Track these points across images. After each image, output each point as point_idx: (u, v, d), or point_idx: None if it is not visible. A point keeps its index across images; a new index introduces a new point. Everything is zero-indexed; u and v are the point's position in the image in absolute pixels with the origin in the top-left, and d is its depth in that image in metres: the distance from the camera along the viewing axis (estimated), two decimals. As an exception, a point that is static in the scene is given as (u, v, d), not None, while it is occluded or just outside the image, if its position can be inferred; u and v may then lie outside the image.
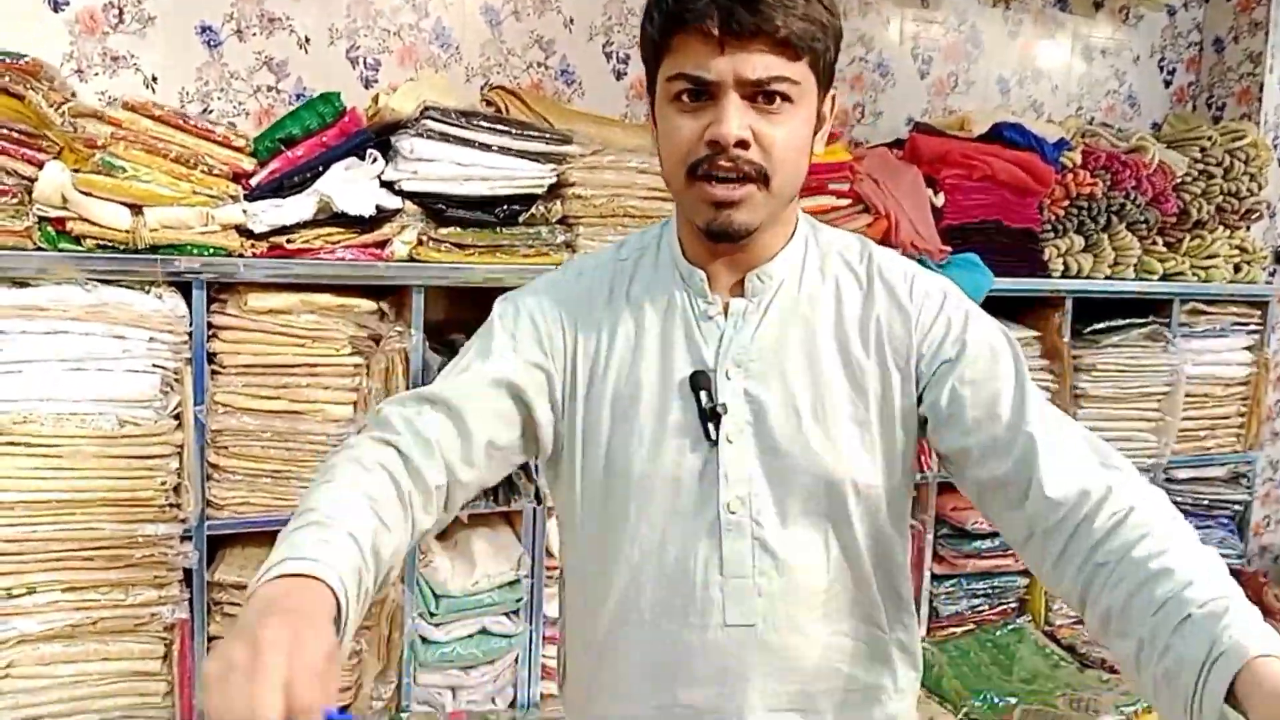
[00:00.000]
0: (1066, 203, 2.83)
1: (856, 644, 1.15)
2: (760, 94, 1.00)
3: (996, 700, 2.56)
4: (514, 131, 2.16)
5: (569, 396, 1.15)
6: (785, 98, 1.01)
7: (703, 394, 1.09)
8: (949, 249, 2.59)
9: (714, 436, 1.09)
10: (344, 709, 0.73)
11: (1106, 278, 2.89)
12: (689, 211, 1.09)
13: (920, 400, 1.12)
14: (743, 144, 1.00)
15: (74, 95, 2.10)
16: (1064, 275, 2.83)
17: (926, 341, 1.11)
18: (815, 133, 1.07)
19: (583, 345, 1.15)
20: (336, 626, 0.82)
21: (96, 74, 2.26)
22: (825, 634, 1.13)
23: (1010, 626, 2.85)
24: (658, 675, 1.14)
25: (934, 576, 2.80)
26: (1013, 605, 2.91)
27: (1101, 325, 2.90)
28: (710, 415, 1.08)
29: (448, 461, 1.06)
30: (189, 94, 2.32)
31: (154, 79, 2.29)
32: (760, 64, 0.98)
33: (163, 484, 1.92)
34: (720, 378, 1.10)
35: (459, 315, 2.41)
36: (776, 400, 1.09)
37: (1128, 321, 2.93)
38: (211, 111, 2.33)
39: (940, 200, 2.67)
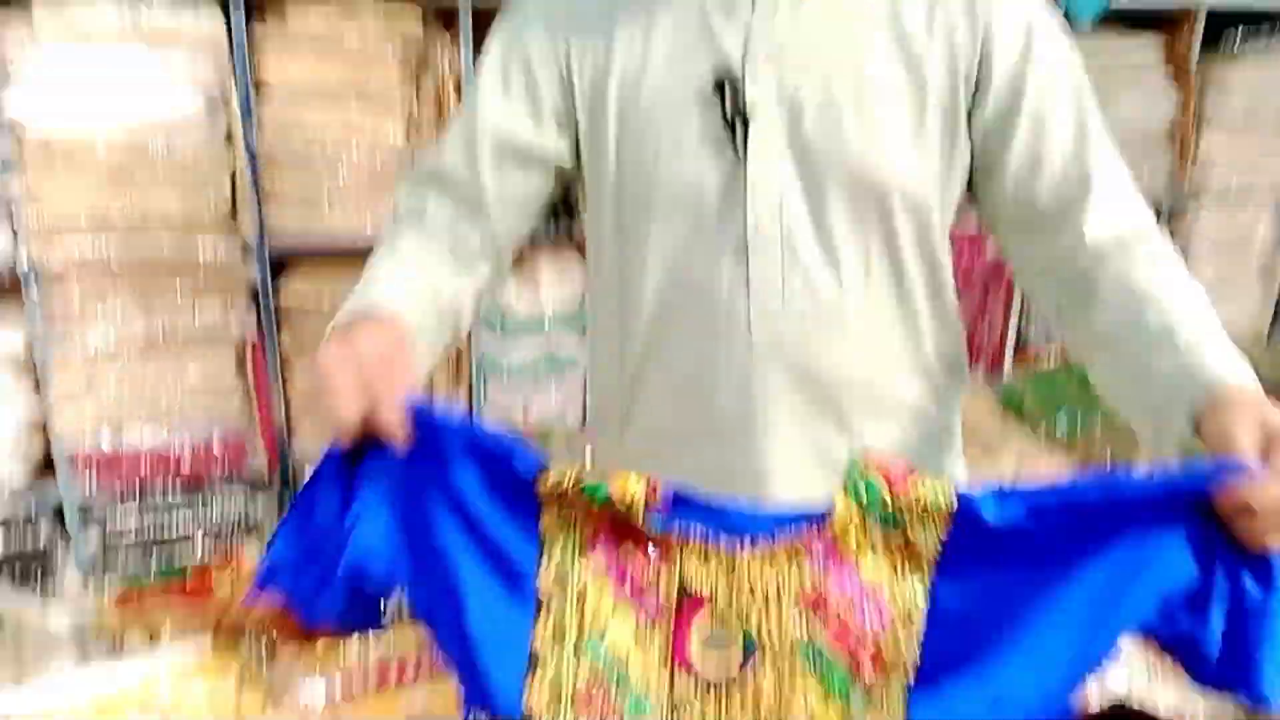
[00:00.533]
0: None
1: (896, 359, 1.09)
2: None
3: (1079, 418, 2.49)
4: None
5: (572, 123, 1.07)
6: None
7: (727, 98, 0.97)
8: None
9: (740, 149, 0.98)
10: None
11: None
12: None
13: (972, 100, 1.00)
14: None
15: None
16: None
17: (992, 37, 0.98)
18: None
19: (578, 63, 1.04)
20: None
21: None
22: (861, 352, 1.06)
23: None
24: (685, 394, 1.10)
25: (1024, 308, 2.70)
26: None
27: (1239, 36, 2.56)
28: (736, 121, 0.97)
29: (467, 233, 1.08)
30: None
31: None
32: None
33: (215, 205, 1.95)
34: (747, 78, 0.97)
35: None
36: (814, 98, 0.97)
37: (1273, 26, 2.57)
38: None
39: (1061, -108, 2.32)
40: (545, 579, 0.80)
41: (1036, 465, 2.36)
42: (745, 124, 0.97)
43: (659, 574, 0.80)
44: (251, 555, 2.00)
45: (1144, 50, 2.52)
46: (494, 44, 1.08)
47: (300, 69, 1.97)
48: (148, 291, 1.95)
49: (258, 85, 1.96)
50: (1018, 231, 1.04)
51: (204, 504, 2.10)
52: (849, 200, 0.99)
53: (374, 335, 0.85)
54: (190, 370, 2.03)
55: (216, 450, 2.07)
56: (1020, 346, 2.75)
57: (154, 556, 2.09)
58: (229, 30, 1.89)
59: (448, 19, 2.05)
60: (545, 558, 0.80)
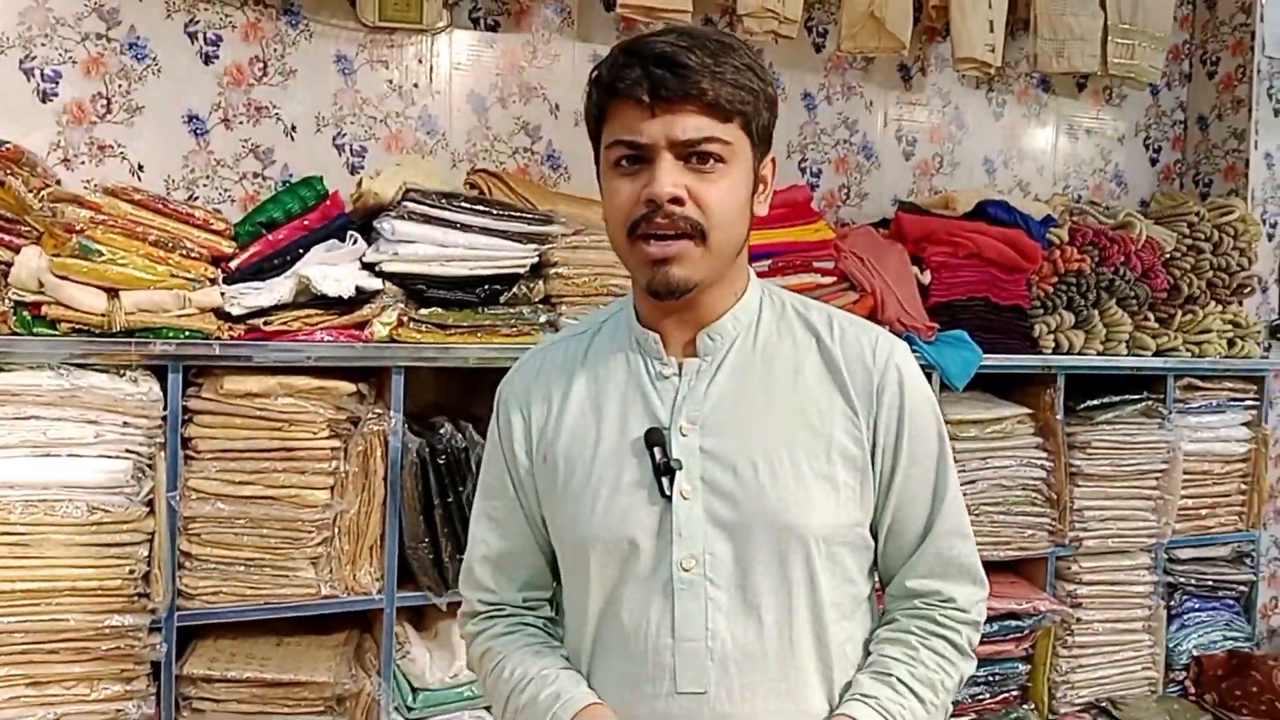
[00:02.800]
0: (1055, 279, 2.83)
1: (813, 701, 1.11)
2: (693, 154, 1.04)
3: None
4: (495, 212, 2.16)
5: (537, 470, 1.19)
6: (718, 158, 1.05)
7: (656, 450, 1.10)
8: (936, 326, 2.58)
9: (667, 492, 1.09)
10: None
11: (1099, 354, 2.87)
12: (633, 273, 1.12)
13: (871, 454, 1.14)
14: (677, 200, 1.04)
15: (58, 183, 2.11)
16: (1055, 352, 2.81)
17: (882, 412, 1.13)
18: (755, 193, 1.12)
19: (536, 421, 1.20)
20: None
21: (83, 163, 2.28)
22: (787, 707, 1.09)
23: (1013, 715, 2.75)
24: None
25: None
26: (1014, 693, 2.81)
27: (1095, 402, 2.87)
28: (663, 470, 1.09)
29: (537, 595, 1.26)
30: (175, 181, 2.34)
31: (140, 167, 2.31)
32: (690, 125, 1.03)
33: (132, 573, 1.88)
34: (675, 435, 1.11)
35: (443, 398, 2.39)
36: (732, 455, 1.10)
37: (1122, 398, 2.90)
38: (197, 198, 2.35)
39: (927, 278, 2.67)
40: None
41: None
42: (672, 473, 1.09)
43: None
44: None
45: (1012, 412, 2.78)
46: (490, 431, 1.25)
47: (230, 434, 1.99)
48: (44, 666, 1.82)
49: (186, 450, 1.96)
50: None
51: None
52: (771, 546, 1.09)
53: None
54: (79, 759, 1.84)
55: None
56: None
57: None
58: (165, 397, 1.92)
59: (379, 381, 2.14)
60: None
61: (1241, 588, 3.17)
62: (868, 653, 1.16)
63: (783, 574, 1.09)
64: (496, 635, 1.23)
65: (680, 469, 1.09)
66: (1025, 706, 2.80)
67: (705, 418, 1.11)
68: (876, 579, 1.22)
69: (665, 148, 1.03)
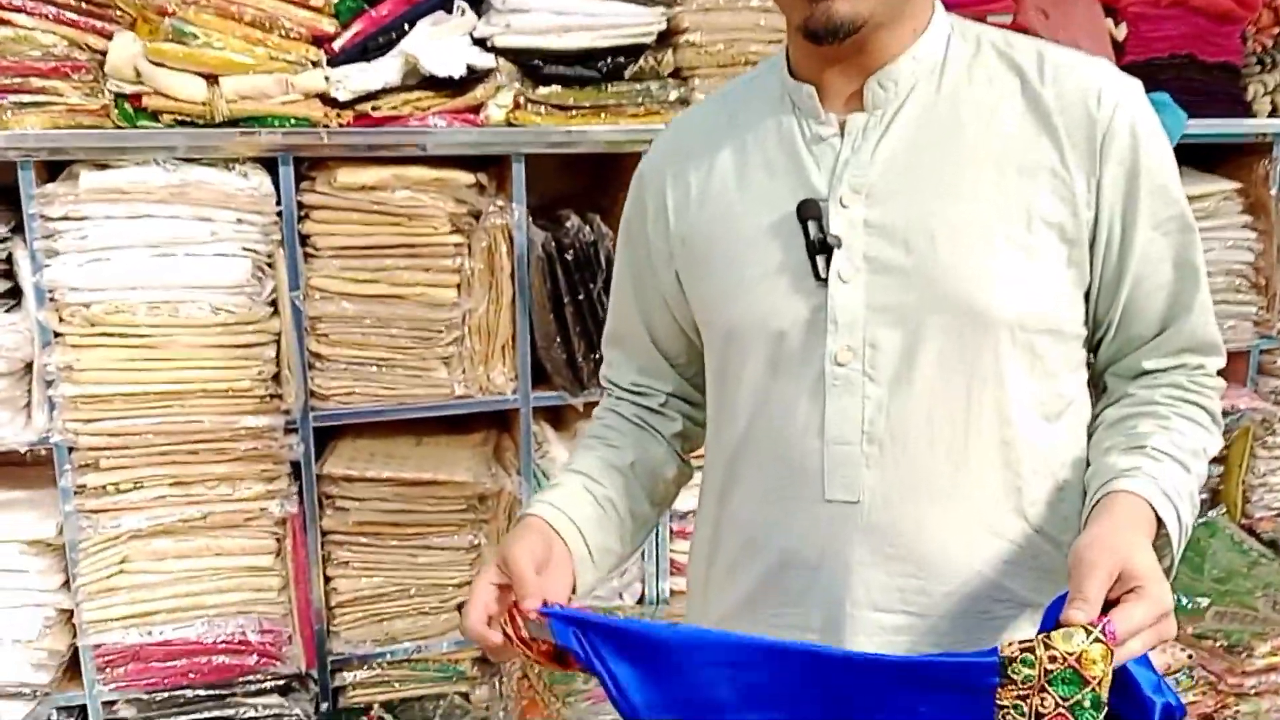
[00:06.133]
0: (1276, 30, 2.44)
1: (1002, 541, 0.95)
2: None
3: (1185, 602, 2.34)
4: (616, -29, 1.92)
5: (677, 256, 1.06)
6: None
7: (811, 226, 0.92)
8: (1132, 87, 2.24)
9: (823, 274, 0.92)
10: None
11: (1325, 117, 2.47)
12: (786, 10, 0.92)
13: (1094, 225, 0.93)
14: None
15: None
16: (1272, 116, 2.44)
17: (1108, 169, 0.91)
18: None
19: (674, 200, 1.05)
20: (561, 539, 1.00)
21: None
22: (957, 522, 0.94)
23: (1202, 520, 2.56)
24: (758, 555, 1.02)
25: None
26: (1203, 496, 2.60)
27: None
28: (819, 249, 0.92)
29: (649, 383, 1.15)
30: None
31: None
32: None
33: (260, 374, 1.84)
34: (834, 206, 0.93)
35: (570, 187, 2.23)
36: (905, 227, 0.92)
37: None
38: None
39: (1122, 32, 2.33)
40: None
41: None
42: (829, 252, 0.93)
43: None
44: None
45: (1218, 187, 2.44)
46: (620, 239, 1.16)
47: (348, 230, 1.89)
48: (185, 467, 1.82)
49: (305, 248, 1.87)
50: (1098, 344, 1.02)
51: (235, 707, 1.89)
52: (950, 334, 0.91)
53: (520, 544, 0.95)
54: (226, 554, 1.87)
55: (252, 641, 1.88)
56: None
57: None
58: (277, 192, 1.82)
59: (499, 171, 1.98)
60: None
61: None
62: (1087, 463, 0.97)
63: (963, 369, 0.91)
64: (595, 417, 1.19)
65: (839, 247, 0.92)
66: (1215, 510, 2.61)
67: (872, 185, 0.93)
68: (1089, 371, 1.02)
69: None
